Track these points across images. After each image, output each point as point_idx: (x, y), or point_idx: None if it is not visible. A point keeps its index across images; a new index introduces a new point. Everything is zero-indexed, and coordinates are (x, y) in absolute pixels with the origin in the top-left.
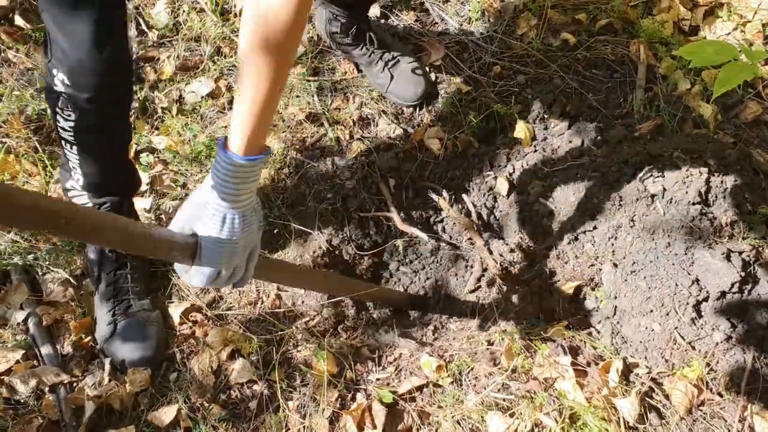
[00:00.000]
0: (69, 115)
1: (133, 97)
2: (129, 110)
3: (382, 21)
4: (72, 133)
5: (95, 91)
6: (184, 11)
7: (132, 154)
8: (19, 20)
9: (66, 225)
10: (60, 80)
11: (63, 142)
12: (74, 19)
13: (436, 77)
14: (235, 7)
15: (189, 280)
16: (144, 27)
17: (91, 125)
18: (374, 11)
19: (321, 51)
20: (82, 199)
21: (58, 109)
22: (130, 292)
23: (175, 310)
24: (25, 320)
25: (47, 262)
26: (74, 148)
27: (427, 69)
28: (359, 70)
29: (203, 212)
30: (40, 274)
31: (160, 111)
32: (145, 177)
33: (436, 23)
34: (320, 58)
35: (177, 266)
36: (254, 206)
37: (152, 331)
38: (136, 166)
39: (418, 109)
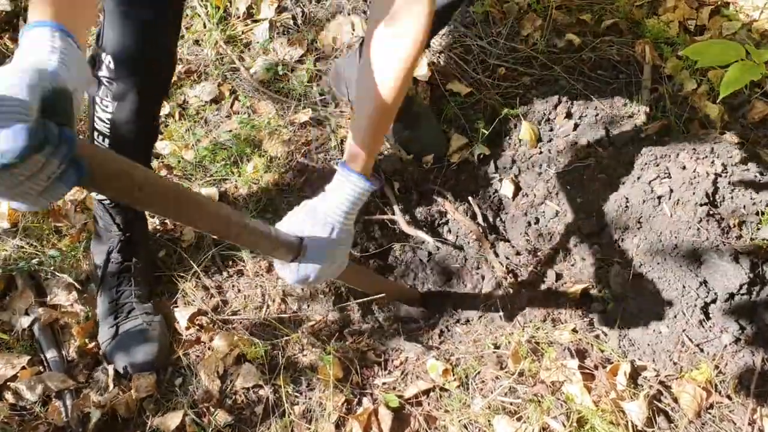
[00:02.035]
0: (107, 106)
1: (165, 98)
2: (160, 111)
3: None
4: (108, 125)
5: (136, 80)
6: (187, 15)
7: None
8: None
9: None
10: (105, 65)
11: (96, 134)
12: (129, 10)
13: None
14: (237, 9)
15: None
16: None
17: (126, 118)
18: None
19: (321, 56)
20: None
21: (97, 98)
22: (133, 295)
23: (182, 315)
24: (31, 325)
25: (52, 267)
26: (106, 140)
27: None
28: None
29: (315, 219)
30: (42, 278)
31: (163, 116)
32: None
33: None
34: (321, 63)
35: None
36: (352, 227)
37: (154, 335)
38: None
39: None
